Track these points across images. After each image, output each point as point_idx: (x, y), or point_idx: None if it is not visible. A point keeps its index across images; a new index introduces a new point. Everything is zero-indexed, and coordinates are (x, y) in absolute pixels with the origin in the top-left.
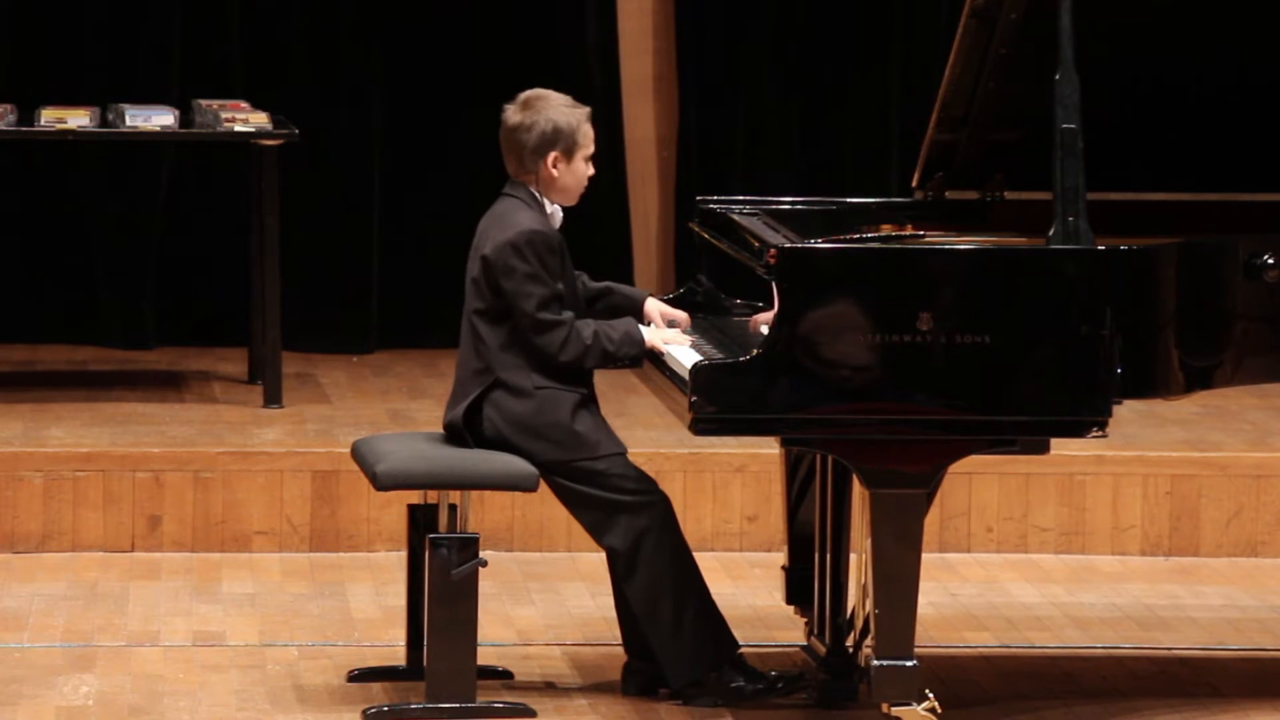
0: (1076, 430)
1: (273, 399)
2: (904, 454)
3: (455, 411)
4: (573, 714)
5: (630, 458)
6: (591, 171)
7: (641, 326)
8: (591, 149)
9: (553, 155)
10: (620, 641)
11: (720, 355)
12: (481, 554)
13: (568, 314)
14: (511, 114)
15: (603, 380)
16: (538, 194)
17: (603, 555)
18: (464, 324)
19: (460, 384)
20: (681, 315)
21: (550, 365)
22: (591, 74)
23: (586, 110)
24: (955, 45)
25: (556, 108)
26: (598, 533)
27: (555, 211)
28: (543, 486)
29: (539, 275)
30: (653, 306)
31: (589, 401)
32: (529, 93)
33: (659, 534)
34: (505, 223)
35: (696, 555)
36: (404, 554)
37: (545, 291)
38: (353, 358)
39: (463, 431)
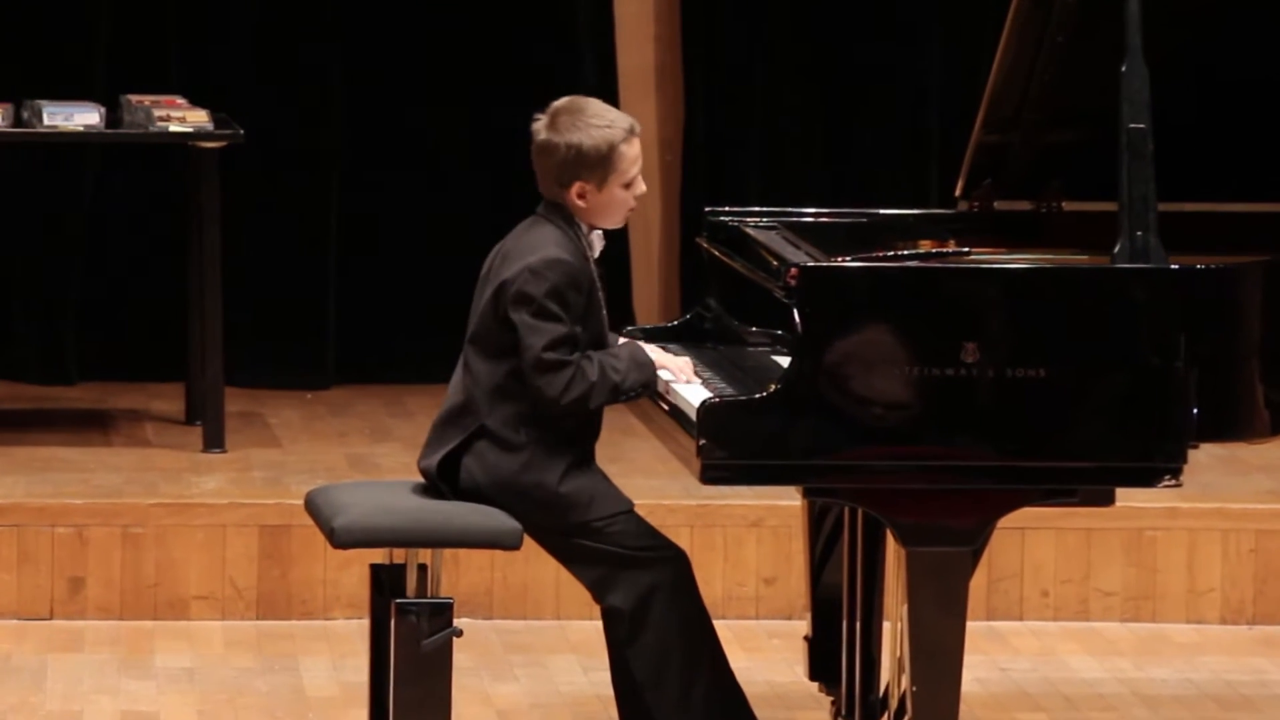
0: (1146, 478)
1: (214, 442)
2: (946, 506)
3: (431, 459)
4: None
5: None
6: (638, 192)
7: (645, 345)
8: (632, 172)
9: (578, 185)
10: None
11: (733, 391)
12: (456, 622)
13: (576, 355)
14: (539, 128)
15: None
16: (575, 218)
17: (597, 624)
18: (462, 353)
19: (442, 423)
20: (681, 361)
21: (548, 415)
22: (583, 65)
23: (624, 126)
24: (1006, 31)
25: (585, 127)
26: (600, 591)
27: (595, 237)
28: (527, 544)
29: (555, 313)
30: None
31: (585, 461)
32: (560, 103)
33: (671, 593)
34: (533, 248)
35: None
36: (366, 622)
37: (558, 331)
38: (306, 394)
39: (437, 481)
